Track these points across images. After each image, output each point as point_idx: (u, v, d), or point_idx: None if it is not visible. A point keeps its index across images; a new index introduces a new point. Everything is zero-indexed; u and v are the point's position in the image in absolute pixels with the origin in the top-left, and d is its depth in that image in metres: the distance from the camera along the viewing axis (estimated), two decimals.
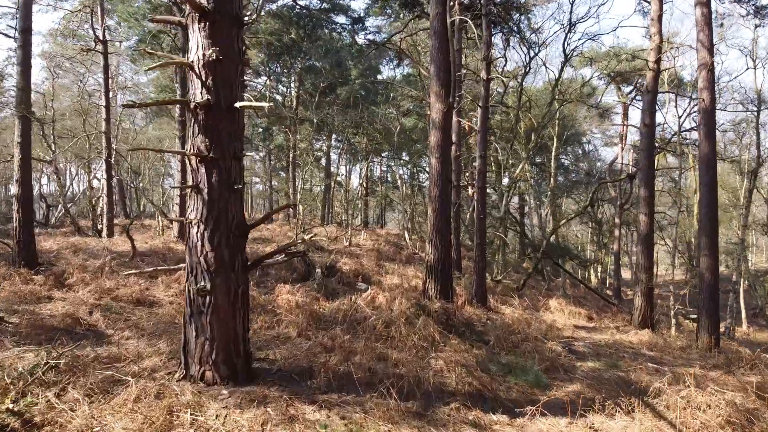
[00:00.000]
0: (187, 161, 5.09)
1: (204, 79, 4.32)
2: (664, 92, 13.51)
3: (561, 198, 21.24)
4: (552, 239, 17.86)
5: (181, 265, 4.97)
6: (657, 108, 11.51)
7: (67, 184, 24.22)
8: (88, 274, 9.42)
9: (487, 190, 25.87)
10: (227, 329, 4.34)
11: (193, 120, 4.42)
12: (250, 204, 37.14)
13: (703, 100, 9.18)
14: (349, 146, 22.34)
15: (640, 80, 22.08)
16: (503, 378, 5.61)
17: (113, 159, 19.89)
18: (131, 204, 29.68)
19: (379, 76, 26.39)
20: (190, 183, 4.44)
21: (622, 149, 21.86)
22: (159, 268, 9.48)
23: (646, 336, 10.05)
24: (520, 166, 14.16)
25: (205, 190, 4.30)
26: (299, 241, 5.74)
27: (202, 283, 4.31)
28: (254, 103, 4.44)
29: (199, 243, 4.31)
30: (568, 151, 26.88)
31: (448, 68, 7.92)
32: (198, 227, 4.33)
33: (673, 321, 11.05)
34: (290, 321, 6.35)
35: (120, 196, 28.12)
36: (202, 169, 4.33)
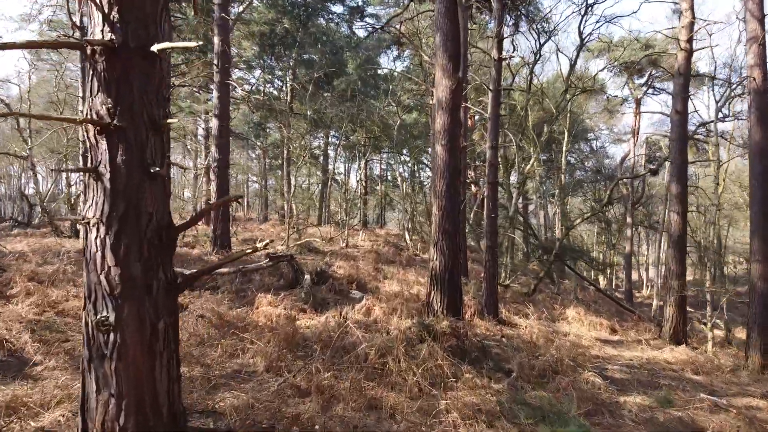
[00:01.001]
0: (83, 133, 3.64)
1: (107, 9, 2.86)
2: (698, 75, 12.03)
3: (568, 197, 19.78)
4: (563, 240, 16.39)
5: None
6: (690, 93, 10.02)
7: (48, 181, 22.80)
8: (35, 283, 7.96)
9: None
10: (141, 381, 2.89)
11: (91, 72, 2.96)
12: (246, 202, 35.68)
13: (754, 79, 7.71)
14: (347, 142, 20.85)
15: (654, 71, 20.60)
16: (534, 428, 4.16)
17: None
18: None
19: (378, 72, 24.93)
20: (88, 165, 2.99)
21: (635, 144, 20.37)
22: None
23: (683, 353, 8.60)
24: (532, 161, 12.69)
25: (107, 176, 2.84)
26: (267, 251, 4.26)
27: (104, 314, 2.86)
28: (179, 44, 2.99)
29: (99, 254, 2.86)
30: (574, 148, 25.41)
31: (456, 36, 6.46)
32: (97, 230, 2.88)
33: (710, 333, 9.58)
34: (258, 350, 4.88)
35: None
36: (103, 144, 2.87)
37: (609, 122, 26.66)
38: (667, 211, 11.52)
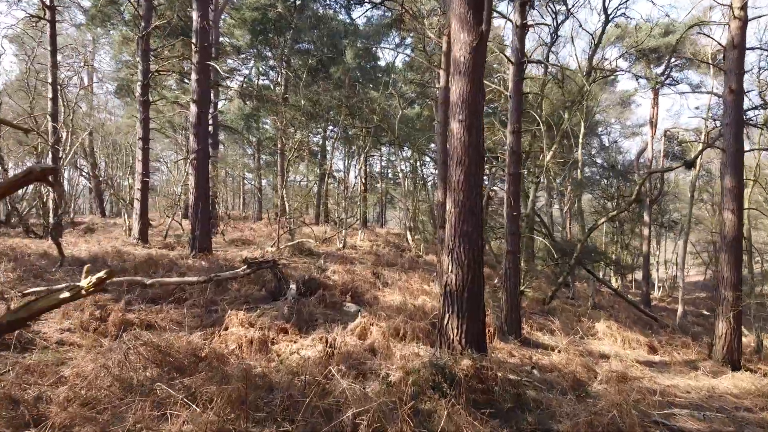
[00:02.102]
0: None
1: None
2: (755, 48, 10.29)
3: (582, 193, 18.07)
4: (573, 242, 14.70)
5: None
6: (743, 71, 8.32)
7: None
8: None
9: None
10: None
11: None
12: (242, 200, 34.07)
13: None
14: (345, 135, 19.14)
15: (674, 61, 18.84)
16: None
17: (74, 150, 16.83)
18: (113, 202, 26.61)
19: (378, 63, 23.20)
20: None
21: (653, 137, 18.62)
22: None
23: (746, 381, 6.92)
24: (551, 152, 10.99)
25: None
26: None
27: None
28: None
29: None
30: (584, 143, 23.66)
31: None
32: None
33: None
34: (192, 416, 3.18)
35: (96, 193, 25.07)
36: None
37: (622, 116, 24.93)
38: (719, 209, 9.81)
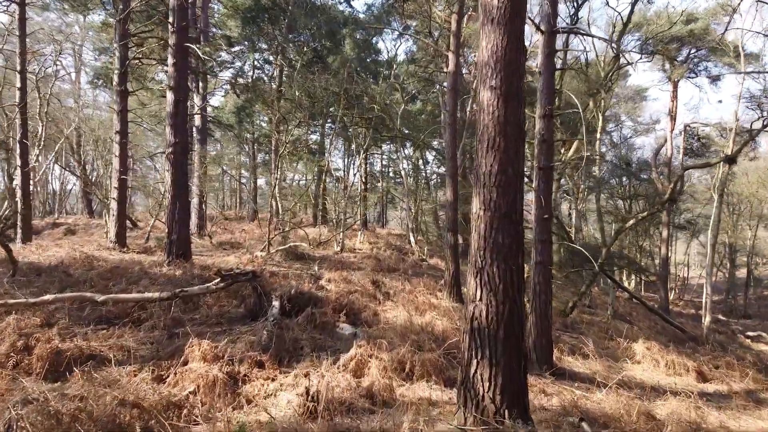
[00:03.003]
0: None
1: None
2: None
3: (599, 193, 16.61)
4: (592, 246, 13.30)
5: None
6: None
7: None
8: None
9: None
10: None
11: None
12: (239, 200, 32.64)
13: None
14: (343, 126, 17.62)
15: (695, 51, 17.36)
16: None
17: (58, 146, 15.39)
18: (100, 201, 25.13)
19: (378, 58, 21.73)
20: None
21: (672, 130, 17.15)
22: None
23: None
24: (574, 144, 9.54)
25: None
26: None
27: None
28: None
29: None
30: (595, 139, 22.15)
31: None
32: None
33: None
34: None
35: (84, 192, 23.62)
36: None
37: (633, 112, 23.44)
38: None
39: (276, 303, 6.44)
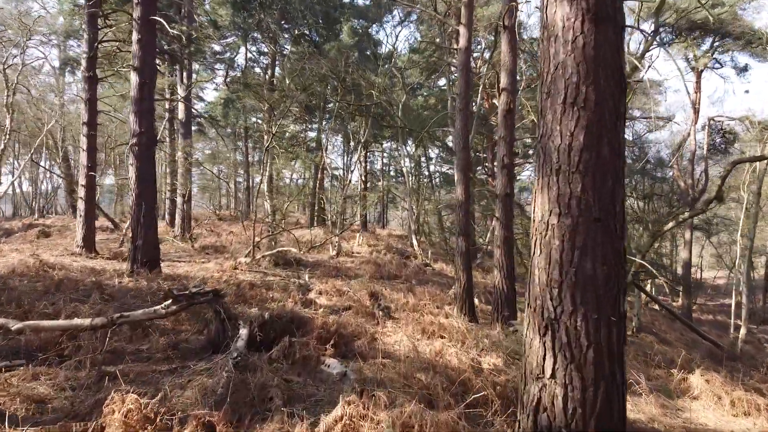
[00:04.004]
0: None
1: None
2: None
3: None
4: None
5: None
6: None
7: None
8: None
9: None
10: None
11: None
12: (235, 199, 31.11)
13: None
14: (340, 116, 16.07)
15: (720, 39, 15.78)
16: None
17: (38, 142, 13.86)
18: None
19: (378, 51, 20.18)
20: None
21: (695, 123, 15.59)
22: None
23: None
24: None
25: None
26: None
27: None
28: None
29: None
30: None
31: None
32: None
33: None
34: None
35: (68, 191, 22.11)
36: None
37: (646, 106, 21.80)
38: None
39: (243, 331, 4.91)
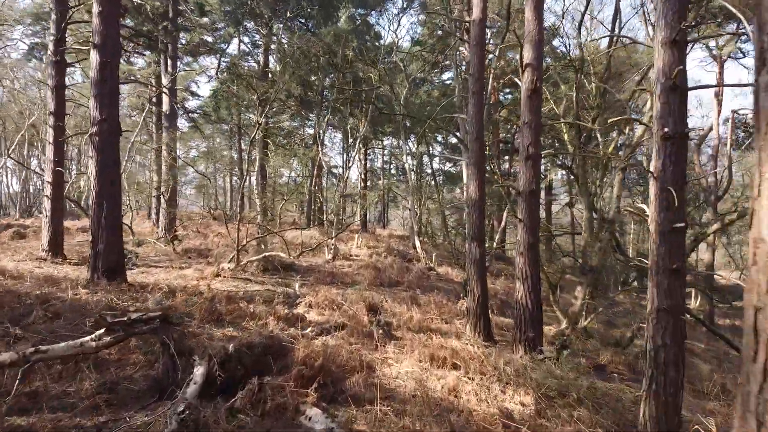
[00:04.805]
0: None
1: None
2: None
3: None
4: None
5: None
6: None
7: None
8: None
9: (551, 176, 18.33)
10: None
11: None
12: (230, 198, 29.92)
13: None
14: (341, 121, 14.90)
15: (741, 25, 14.44)
16: None
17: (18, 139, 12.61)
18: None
19: (378, 43, 18.90)
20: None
21: (718, 115, 14.34)
22: None
23: None
24: (616, 136, 6.75)
25: None
26: None
27: None
28: None
29: None
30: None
31: None
32: None
33: None
34: None
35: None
36: None
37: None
38: None
39: (198, 371, 3.68)
